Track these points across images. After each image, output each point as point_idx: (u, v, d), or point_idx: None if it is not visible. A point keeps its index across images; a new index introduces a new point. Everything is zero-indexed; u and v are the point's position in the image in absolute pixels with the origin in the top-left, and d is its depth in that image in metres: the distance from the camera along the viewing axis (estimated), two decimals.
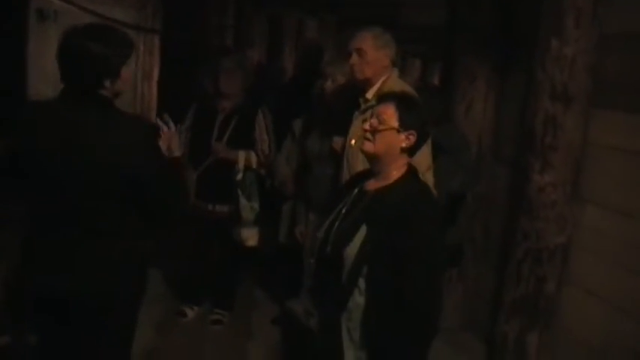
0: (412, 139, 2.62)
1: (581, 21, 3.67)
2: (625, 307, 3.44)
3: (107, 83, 2.59)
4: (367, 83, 3.73)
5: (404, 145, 2.62)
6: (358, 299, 2.59)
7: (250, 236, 4.78)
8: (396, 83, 3.65)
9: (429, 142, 3.42)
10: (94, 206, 2.58)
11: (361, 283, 2.57)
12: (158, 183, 2.68)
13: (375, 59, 3.68)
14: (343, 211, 2.75)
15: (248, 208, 4.68)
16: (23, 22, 6.94)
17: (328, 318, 2.71)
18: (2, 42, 6.27)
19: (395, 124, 2.59)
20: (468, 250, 4.86)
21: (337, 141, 3.92)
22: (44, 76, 5.77)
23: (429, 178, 3.44)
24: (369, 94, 3.67)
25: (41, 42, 6.16)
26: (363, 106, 3.68)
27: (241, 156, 4.64)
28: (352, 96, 3.87)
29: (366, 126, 2.66)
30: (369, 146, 2.65)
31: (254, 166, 4.71)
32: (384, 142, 2.61)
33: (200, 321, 4.99)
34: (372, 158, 2.70)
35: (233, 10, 7.91)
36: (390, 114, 2.61)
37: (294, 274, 4.28)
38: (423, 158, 3.34)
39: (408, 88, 3.55)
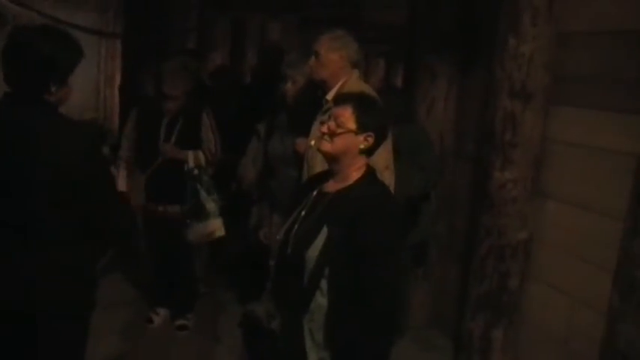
0: (370, 140, 2.62)
1: (537, 19, 3.71)
2: (586, 299, 3.49)
3: (53, 88, 2.53)
4: (325, 85, 3.75)
5: (362, 146, 2.62)
6: (320, 300, 2.58)
7: (217, 227, 4.75)
8: (355, 85, 3.64)
9: (389, 141, 3.44)
10: (37, 213, 2.52)
11: (323, 284, 2.57)
12: (103, 193, 2.65)
13: (329, 61, 3.70)
14: (303, 213, 2.74)
15: (210, 200, 4.65)
16: None
17: (290, 320, 2.70)
18: None
19: (352, 126, 2.59)
20: (433, 248, 4.90)
21: (300, 142, 3.93)
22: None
23: (386, 177, 3.44)
24: (329, 96, 3.67)
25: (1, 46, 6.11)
26: (324, 108, 3.69)
27: (190, 156, 4.63)
28: (314, 97, 3.87)
29: (324, 129, 2.65)
30: (326, 146, 2.63)
31: (203, 165, 4.70)
32: (342, 144, 2.60)
33: (166, 325, 4.97)
34: (331, 159, 2.69)
35: (195, 13, 7.88)
36: (348, 116, 2.60)
37: (257, 276, 4.28)
38: (380, 158, 3.35)
39: (367, 89, 3.55)
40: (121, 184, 4.20)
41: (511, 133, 3.83)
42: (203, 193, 4.62)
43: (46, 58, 2.48)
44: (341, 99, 2.75)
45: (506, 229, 3.88)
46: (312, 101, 3.88)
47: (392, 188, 3.43)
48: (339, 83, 3.71)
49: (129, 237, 4.89)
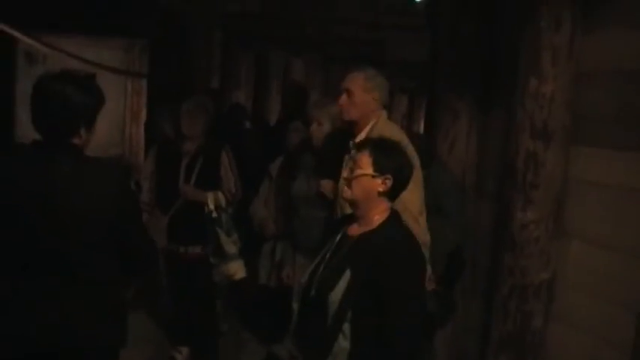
0: (389, 183, 2.66)
1: (558, 59, 3.72)
2: (610, 339, 3.46)
3: (83, 132, 2.61)
4: (356, 125, 3.66)
5: (381, 189, 2.67)
6: (343, 343, 2.61)
7: (238, 269, 4.77)
8: (385, 127, 3.58)
9: (421, 186, 3.45)
10: (74, 256, 2.57)
11: (346, 327, 2.59)
12: (135, 227, 2.70)
13: (362, 102, 3.60)
14: (327, 255, 2.77)
15: (230, 242, 4.67)
16: (12, 65, 6.99)
17: None
18: None
19: (369, 170, 2.64)
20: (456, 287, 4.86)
21: (325, 184, 3.93)
22: None
23: (422, 223, 3.43)
24: (359, 138, 3.56)
25: (30, 85, 6.22)
26: (352, 152, 3.65)
27: (210, 197, 4.64)
28: (341, 139, 3.86)
29: (345, 174, 2.71)
30: (347, 193, 2.72)
31: (223, 205, 4.71)
32: (360, 188, 2.67)
33: None
34: (352, 204, 2.74)
35: (219, 51, 7.96)
36: (365, 160, 2.66)
37: (278, 316, 4.29)
38: (414, 204, 3.37)
39: (395, 131, 3.56)
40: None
41: (533, 173, 3.82)
42: (223, 236, 4.63)
43: (74, 106, 2.56)
44: (361, 144, 2.79)
45: (529, 269, 3.85)
46: (339, 143, 3.87)
47: (426, 234, 3.46)
48: (369, 125, 3.63)
49: (155, 270, 4.92)
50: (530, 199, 3.82)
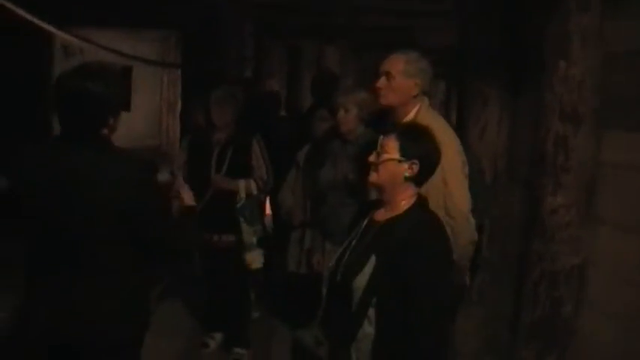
0: (415, 168, 2.64)
1: (586, 41, 3.67)
2: None
3: (111, 121, 2.65)
4: (394, 112, 3.49)
5: (407, 174, 2.65)
6: (368, 329, 2.61)
7: (255, 259, 4.83)
8: (426, 117, 3.37)
9: (465, 182, 3.42)
10: (95, 246, 2.61)
11: (371, 313, 2.60)
12: (159, 221, 2.72)
13: (402, 87, 3.40)
14: (353, 242, 2.78)
15: (251, 232, 4.74)
16: (49, 57, 7.10)
17: (338, 347, 2.73)
18: (28, 78, 6.41)
19: (395, 154, 2.63)
20: (486, 273, 4.83)
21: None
22: None
23: (471, 220, 3.41)
24: None
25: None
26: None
27: (241, 185, 4.70)
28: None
29: (371, 158, 2.71)
30: (373, 177, 2.71)
31: (254, 193, 4.78)
32: (386, 173, 2.66)
33: (221, 350, 5.05)
34: (379, 189, 2.75)
35: (252, 41, 7.99)
36: (392, 145, 2.65)
37: (306, 302, 4.31)
38: (463, 202, 3.36)
39: (441, 122, 3.48)
40: (188, 199, 4.34)
41: (563, 156, 3.77)
42: (245, 226, 4.69)
43: (101, 97, 2.58)
44: (389, 129, 2.78)
45: (559, 255, 3.81)
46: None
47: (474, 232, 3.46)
48: (412, 114, 3.43)
49: (187, 259, 4.98)
50: (560, 183, 3.77)
